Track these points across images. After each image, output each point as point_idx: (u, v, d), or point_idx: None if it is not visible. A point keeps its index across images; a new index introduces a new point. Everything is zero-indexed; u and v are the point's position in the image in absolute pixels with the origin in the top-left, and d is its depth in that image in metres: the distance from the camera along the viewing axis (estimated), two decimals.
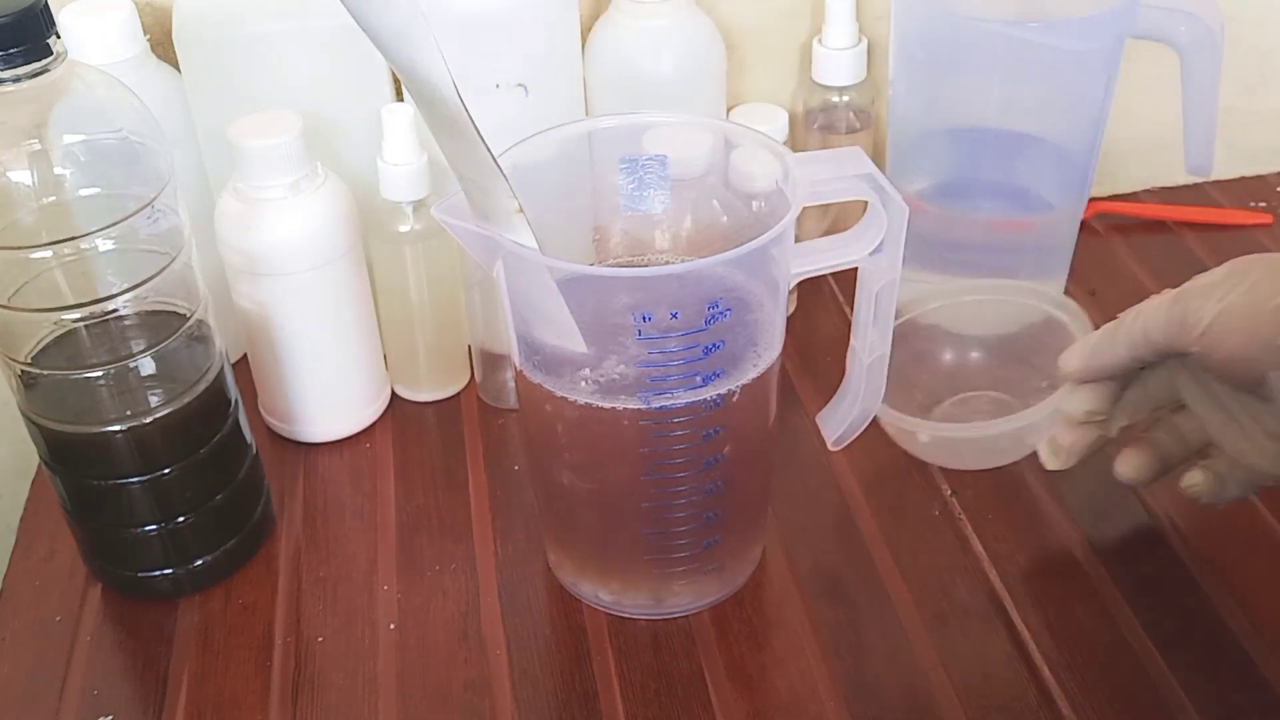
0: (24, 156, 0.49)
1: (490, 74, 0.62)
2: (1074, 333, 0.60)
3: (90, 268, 0.51)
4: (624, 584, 0.56)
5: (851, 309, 0.56)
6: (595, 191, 0.56)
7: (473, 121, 0.43)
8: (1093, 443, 0.56)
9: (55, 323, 0.52)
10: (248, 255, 0.60)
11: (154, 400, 0.54)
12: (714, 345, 0.48)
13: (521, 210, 0.46)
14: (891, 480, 0.62)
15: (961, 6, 0.67)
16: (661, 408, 0.49)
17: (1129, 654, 0.53)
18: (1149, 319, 0.51)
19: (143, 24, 0.62)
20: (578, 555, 0.57)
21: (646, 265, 0.56)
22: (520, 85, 0.62)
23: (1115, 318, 0.54)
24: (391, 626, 0.56)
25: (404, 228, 0.63)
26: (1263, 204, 0.83)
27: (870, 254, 0.51)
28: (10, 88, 0.47)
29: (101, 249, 0.51)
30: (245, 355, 0.66)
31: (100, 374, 0.52)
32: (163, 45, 0.63)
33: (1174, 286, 0.51)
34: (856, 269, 0.51)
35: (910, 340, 0.64)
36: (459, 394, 0.69)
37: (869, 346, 0.53)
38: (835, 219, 0.76)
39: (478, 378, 0.69)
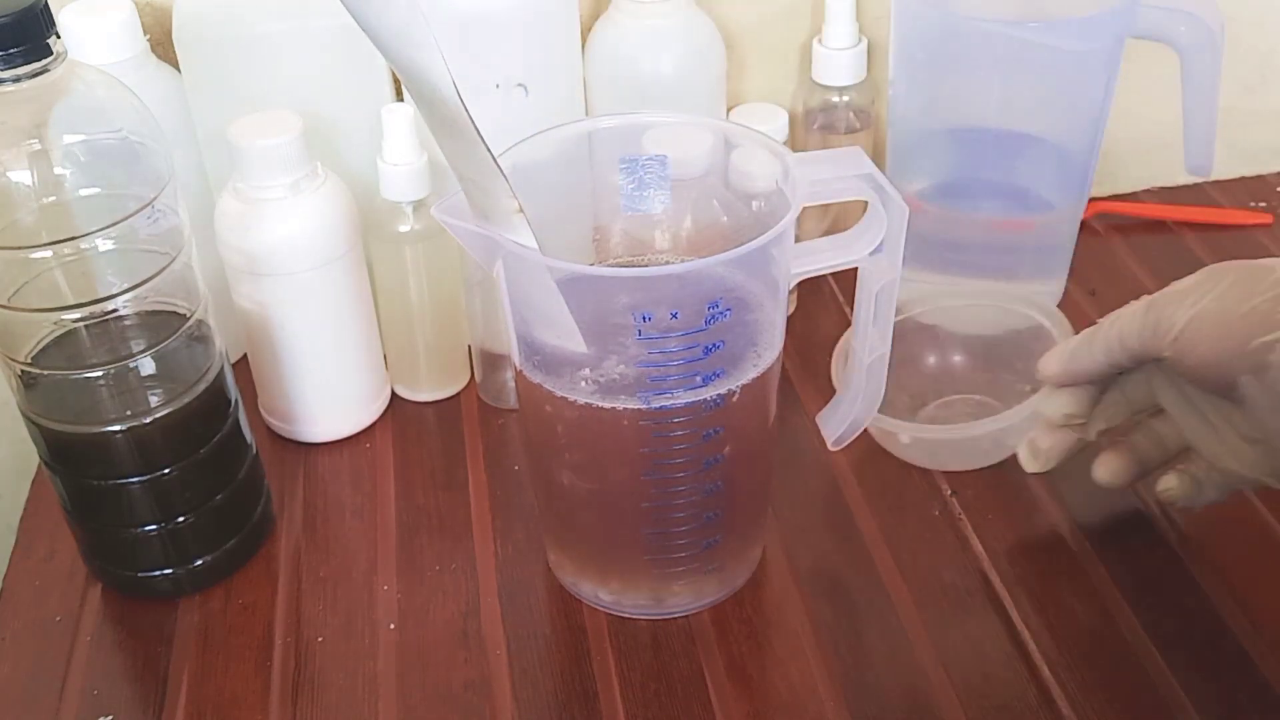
0: (24, 156, 0.49)
1: (490, 74, 0.62)
2: (1056, 338, 0.60)
3: (90, 268, 0.51)
4: (624, 584, 0.56)
5: (851, 309, 0.56)
6: (595, 191, 0.56)
7: (473, 121, 0.42)
8: (1071, 446, 0.57)
9: (55, 323, 0.52)
10: (248, 255, 0.60)
11: (154, 400, 0.54)
12: (714, 345, 0.48)
13: (521, 210, 0.46)
14: (891, 480, 0.62)
15: (961, 6, 0.67)
16: (661, 408, 0.49)
17: (1129, 654, 0.53)
18: (1124, 325, 0.52)
19: (143, 24, 0.62)
20: (578, 555, 0.57)
21: (646, 265, 0.56)
22: (520, 85, 0.62)
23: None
24: (391, 626, 0.56)
25: (404, 228, 0.63)
26: (1263, 204, 0.83)
27: (870, 254, 0.51)
28: (10, 88, 0.47)
29: (101, 249, 0.51)
30: (245, 355, 0.66)
31: (100, 374, 0.52)
32: (163, 45, 0.63)
33: None
34: (856, 269, 0.52)
35: (897, 343, 0.64)
36: (459, 394, 0.69)
37: (869, 346, 0.53)
38: (835, 219, 0.76)
39: (478, 378, 0.69)
